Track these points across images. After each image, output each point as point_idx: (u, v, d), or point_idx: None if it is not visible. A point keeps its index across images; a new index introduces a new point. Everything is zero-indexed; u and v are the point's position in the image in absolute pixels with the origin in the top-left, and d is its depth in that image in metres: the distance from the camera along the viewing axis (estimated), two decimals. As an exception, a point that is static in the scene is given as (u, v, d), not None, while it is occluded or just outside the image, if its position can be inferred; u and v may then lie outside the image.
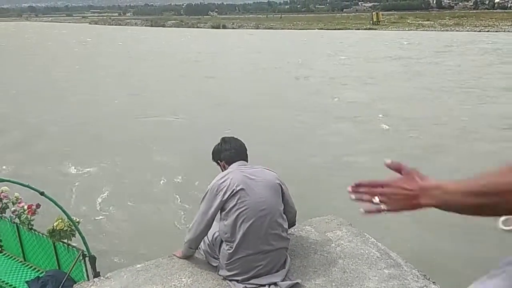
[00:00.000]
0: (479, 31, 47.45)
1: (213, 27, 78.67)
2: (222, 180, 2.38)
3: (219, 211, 2.37)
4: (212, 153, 2.64)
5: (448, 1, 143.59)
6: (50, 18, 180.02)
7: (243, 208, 2.30)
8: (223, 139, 2.65)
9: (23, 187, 2.38)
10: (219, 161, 2.60)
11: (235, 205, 2.30)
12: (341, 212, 3.19)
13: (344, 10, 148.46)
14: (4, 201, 2.66)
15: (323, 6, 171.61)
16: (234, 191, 2.32)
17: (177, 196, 6.60)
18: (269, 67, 21.93)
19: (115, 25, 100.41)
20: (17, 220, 2.68)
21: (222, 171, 2.55)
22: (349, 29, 59.52)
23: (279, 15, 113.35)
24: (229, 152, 2.55)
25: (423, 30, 52.37)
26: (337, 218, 3.07)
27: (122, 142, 9.51)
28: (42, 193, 2.14)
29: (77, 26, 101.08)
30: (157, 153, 8.83)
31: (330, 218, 3.08)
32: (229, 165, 2.51)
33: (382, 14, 74.02)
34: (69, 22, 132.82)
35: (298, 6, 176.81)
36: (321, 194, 6.46)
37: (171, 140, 9.68)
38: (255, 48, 33.12)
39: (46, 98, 14.60)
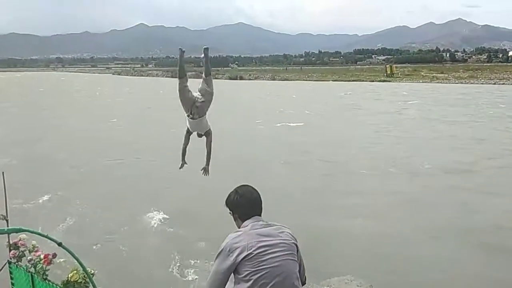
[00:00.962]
0: (494, 83, 47.73)
1: (230, 78, 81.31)
2: (236, 241, 2.30)
3: (233, 273, 2.29)
4: (227, 204, 2.54)
5: (462, 55, 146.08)
6: (76, 68, 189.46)
7: (260, 274, 2.22)
8: (238, 190, 2.53)
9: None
10: (232, 213, 2.52)
11: (251, 271, 2.22)
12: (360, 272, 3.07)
13: (358, 63, 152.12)
14: (21, 249, 2.66)
15: (337, 59, 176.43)
16: (249, 256, 2.24)
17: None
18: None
19: (137, 75, 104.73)
20: (32, 270, 2.66)
21: (235, 222, 2.50)
22: (363, 81, 60.62)
23: (299, 67, 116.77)
24: (245, 209, 2.46)
25: (438, 82, 52.96)
26: (357, 279, 2.93)
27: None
28: (59, 244, 2.13)
29: (101, 76, 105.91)
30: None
31: (349, 278, 2.94)
32: (242, 221, 2.45)
33: (396, 67, 75.54)
34: (93, 73, 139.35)
35: (313, 59, 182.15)
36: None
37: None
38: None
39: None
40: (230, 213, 2.52)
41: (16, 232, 2.45)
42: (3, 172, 2.79)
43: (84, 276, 2.50)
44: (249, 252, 2.24)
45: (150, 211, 8.68)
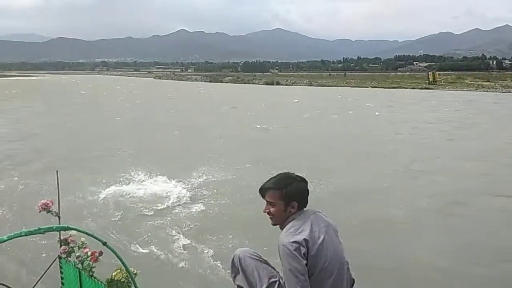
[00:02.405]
0: (545, 93, 45.05)
1: (267, 84, 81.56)
2: (301, 231, 2.16)
3: None
4: (288, 190, 2.26)
5: (510, 62, 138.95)
6: (120, 72, 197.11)
7: (325, 263, 2.14)
8: (296, 177, 2.34)
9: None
10: (287, 200, 2.26)
11: (318, 261, 2.14)
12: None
13: (399, 69, 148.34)
14: (71, 245, 2.80)
15: (377, 65, 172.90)
16: (318, 246, 2.14)
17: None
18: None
19: (177, 79, 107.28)
20: (80, 266, 2.78)
21: (282, 212, 2.27)
22: (403, 88, 59.04)
23: (342, 73, 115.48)
24: (306, 196, 2.32)
25: (483, 90, 50.64)
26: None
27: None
28: (104, 243, 2.22)
29: (144, 80, 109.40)
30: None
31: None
32: (299, 209, 2.29)
33: (439, 74, 73.02)
34: (136, 76, 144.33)
35: (352, 64, 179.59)
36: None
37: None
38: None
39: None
40: (284, 200, 2.26)
41: (64, 230, 2.59)
42: (57, 171, 2.95)
43: (127, 275, 2.58)
44: (317, 242, 2.16)
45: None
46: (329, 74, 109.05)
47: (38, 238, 6.23)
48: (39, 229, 2.03)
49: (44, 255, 5.80)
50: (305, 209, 2.32)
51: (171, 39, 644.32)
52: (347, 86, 67.04)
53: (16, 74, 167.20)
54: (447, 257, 6.35)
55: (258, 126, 20.84)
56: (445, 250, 6.63)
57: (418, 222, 8.01)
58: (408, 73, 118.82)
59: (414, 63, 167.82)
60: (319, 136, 18.43)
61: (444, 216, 8.32)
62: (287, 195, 2.26)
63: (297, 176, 2.37)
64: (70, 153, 14.32)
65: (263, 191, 2.35)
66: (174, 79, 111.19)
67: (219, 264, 6.04)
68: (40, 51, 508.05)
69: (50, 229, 2.12)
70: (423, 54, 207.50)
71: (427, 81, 63.57)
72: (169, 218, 8.15)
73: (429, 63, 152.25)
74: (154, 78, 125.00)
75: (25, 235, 1.99)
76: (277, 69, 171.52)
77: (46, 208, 2.70)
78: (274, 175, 2.43)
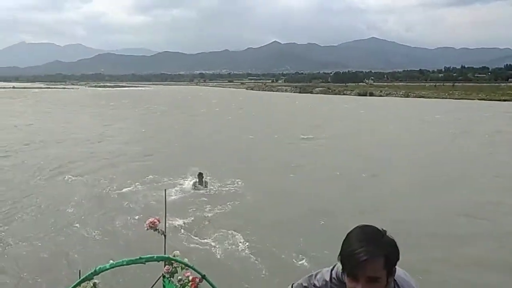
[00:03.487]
0: None
1: (359, 94, 79.03)
2: None
3: None
4: (389, 252, 1.49)
5: None
6: (215, 83, 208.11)
7: None
8: (379, 229, 1.55)
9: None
10: (391, 265, 1.51)
11: None
12: None
13: (510, 79, 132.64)
14: (174, 265, 2.77)
15: (484, 75, 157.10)
16: None
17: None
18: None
19: (268, 90, 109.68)
20: (180, 289, 2.75)
21: (387, 283, 1.50)
22: (518, 100, 52.64)
23: (440, 83, 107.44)
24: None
25: None
26: None
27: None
28: (203, 276, 2.14)
29: (237, 91, 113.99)
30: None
31: None
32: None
33: None
34: (229, 87, 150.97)
35: (454, 74, 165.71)
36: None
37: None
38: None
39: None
40: (385, 271, 1.48)
41: (164, 260, 2.58)
42: (165, 190, 2.98)
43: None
44: None
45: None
46: (435, 85, 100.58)
47: (145, 251, 6.46)
48: (140, 258, 2.02)
49: (148, 275, 6.05)
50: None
51: (264, 51, 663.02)
52: (449, 98, 61.89)
53: (126, 84, 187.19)
54: None
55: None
56: None
57: None
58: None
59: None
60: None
61: None
62: (391, 258, 1.51)
63: (377, 227, 1.59)
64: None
65: (359, 265, 1.45)
66: (265, 90, 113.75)
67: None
68: (148, 64, 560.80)
69: (151, 259, 2.11)
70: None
71: (548, 93, 55.74)
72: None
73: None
74: (246, 89, 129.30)
75: (127, 264, 1.99)
76: (372, 79, 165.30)
77: (153, 226, 2.72)
78: (353, 236, 1.54)
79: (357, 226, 1.59)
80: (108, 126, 27.51)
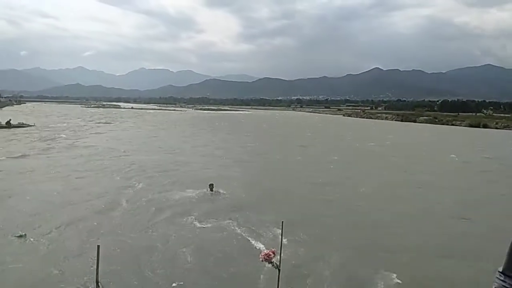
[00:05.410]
0: None
1: (471, 126, 72.37)
2: None
3: None
4: None
5: None
6: (311, 108, 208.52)
7: None
8: None
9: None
10: None
11: None
12: None
13: None
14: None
15: None
16: None
17: None
18: None
19: (366, 118, 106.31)
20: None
21: None
22: None
23: None
24: None
25: None
26: None
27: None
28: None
29: (333, 117, 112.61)
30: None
31: None
32: None
33: None
34: (326, 113, 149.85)
35: None
36: None
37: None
38: None
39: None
40: None
41: None
42: (282, 222, 3.02)
43: None
44: None
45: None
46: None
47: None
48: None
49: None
50: None
51: (363, 77, 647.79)
52: None
53: (228, 108, 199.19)
54: None
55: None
56: None
57: None
58: None
59: None
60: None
61: None
62: None
63: None
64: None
65: None
66: (363, 117, 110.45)
67: None
68: (249, 89, 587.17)
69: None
70: None
71: None
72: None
73: None
74: (343, 115, 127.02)
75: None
76: (491, 109, 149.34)
77: (267, 259, 2.79)
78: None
79: None
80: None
